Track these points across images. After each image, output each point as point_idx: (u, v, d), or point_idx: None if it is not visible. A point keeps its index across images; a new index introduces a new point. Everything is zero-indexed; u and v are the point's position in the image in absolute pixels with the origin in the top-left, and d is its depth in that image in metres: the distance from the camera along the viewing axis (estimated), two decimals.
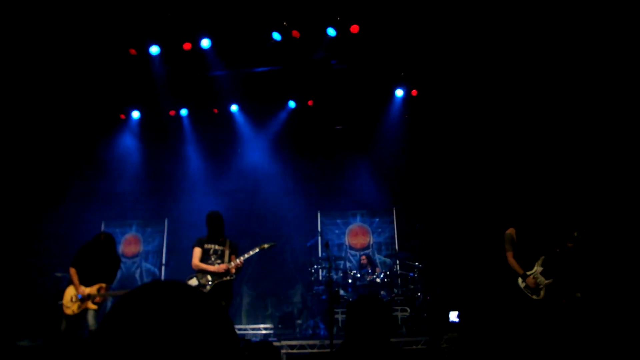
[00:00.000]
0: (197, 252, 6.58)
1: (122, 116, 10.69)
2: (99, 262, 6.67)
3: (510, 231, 6.58)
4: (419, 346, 7.00)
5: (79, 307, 6.47)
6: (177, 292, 0.97)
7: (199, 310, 0.95)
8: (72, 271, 6.65)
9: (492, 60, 8.76)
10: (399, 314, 8.28)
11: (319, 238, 10.09)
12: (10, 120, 9.19)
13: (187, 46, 8.76)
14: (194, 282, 6.36)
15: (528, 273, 6.29)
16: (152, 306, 0.92)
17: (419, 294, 8.44)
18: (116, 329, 0.90)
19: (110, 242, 6.85)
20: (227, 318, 0.99)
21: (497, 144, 9.56)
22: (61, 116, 9.83)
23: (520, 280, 6.34)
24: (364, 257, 9.29)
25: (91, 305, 6.49)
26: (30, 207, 9.79)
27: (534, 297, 6.23)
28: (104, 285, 6.61)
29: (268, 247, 6.65)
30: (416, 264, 8.61)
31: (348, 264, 10.07)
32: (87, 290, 6.53)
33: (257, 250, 6.55)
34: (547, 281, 6.19)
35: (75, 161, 10.40)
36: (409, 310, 8.27)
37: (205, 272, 6.44)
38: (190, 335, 0.88)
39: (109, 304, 9.33)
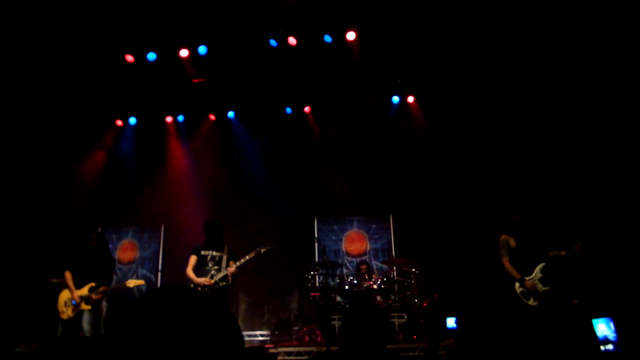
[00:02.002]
0: (191, 260, 6.61)
1: (119, 122, 10.69)
2: (92, 264, 6.64)
3: (505, 237, 6.59)
4: (416, 353, 6.98)
5: (74, 310, 6.45)
6: (186, 296, 0.97)
7: (209, 314, 0.96)
8: (67, 275, 6.63)
9: (488, 67, 8.80)
10: (396, 321, 8.25)
11: (316, 244, 10.08)
12: (6, 126, 9.17)
13: (183, 52, 8.78)
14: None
15: (526, 278, 6.30)
16: (163, 310, 0.92)
17: (416, 300, 8.43)
18: (127, 332, 0.90)
19: (102, 242, 6.81)
20: (235, 322, 1.00)
21: (493, 149, 9.59)
22: (58, 122, 9.82)
23: (517, 285, 6.35)
24: (363, 265, 9.27)
25: (85, 306, 6.45)
26: (25, 213, 9.75)
27: (530, 302, 6.24)
28: (93, 284, 6.56)
29: (264, 252, 6.65)
30: (413, 270, 8.60)
31: (345, 270, 10.05)
32: (78, 293, 6.50)
33: (253, 254, 6.56)
34: (544, 288, 6.20)
35: (72, 167, 10.38)
36: (406, 316, 8.25)
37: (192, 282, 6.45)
38: (199, 339, 0.89)
39: (104, 308, 9.31)
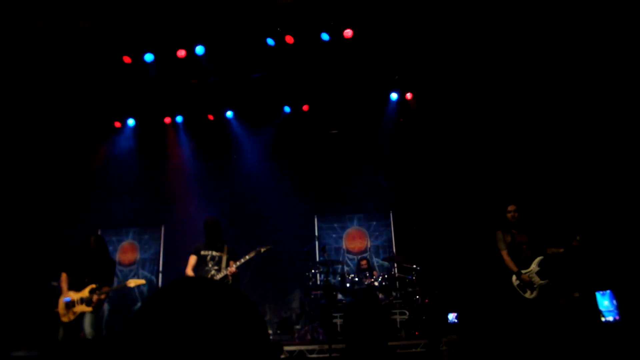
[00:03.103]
0: (191, 260, 6.57)
1: (117, 124, 10.68)
2: (92, 266, 6.61)
3: (500, 232, 6.64)
4: (418, 349, 6.98)
5: (74, 313, 6.42)
6: (212, 289, 0.94)
7: (234, 308, 0.92)
8: (63, 276, 6.62)
9: (486, 63, 8.79)
10: (398, 317, 8.25)
11: (316, 242, 10.07)
12: (6, 129, 9.18)
13: (181, 53, 8.77)
14: None
15: (523, 271, 6.32)
16: (185, 303, 0.89)
17: (418, 296, 8.43)
18: (148, 325, 0.87)
19: (101, 245, 6.77)
20: (260, 316, 0.97)
21: (493, 145, 9.59)
22: (56, 124, 9.82)
23: (514, 277, 6.38)
24: (364, 261, 9.27)
25: (86, 308, 6.42)
26: (25, 216, 9.76)
27: (526, 295, 6.26)
28: (94, 286, 6.54)
29: (264, 251, 6.61)
30: (414, 266, 8.60)
31: (346, 268, 10.04)
32: (78, 295, 6.48)
33: (253, 254, 6.52)
34: (541, 282, 6.21)
35: (71, 169, 10.38)
36: (407, 313, 8.25)
37: None
38: (224, 333, 0.86)
39: (105, 310, 9.31)
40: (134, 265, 10.93)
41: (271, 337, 8.85)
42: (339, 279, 8.80)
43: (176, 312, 0.92)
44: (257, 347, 0.94)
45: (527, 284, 6.25)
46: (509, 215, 6.61)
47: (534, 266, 6.30)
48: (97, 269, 6.63)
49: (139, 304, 10.32)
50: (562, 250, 6.34)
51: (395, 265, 9.72)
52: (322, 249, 8.12)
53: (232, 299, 0.97)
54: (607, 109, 8.19)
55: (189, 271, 6.49)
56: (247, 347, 0.92)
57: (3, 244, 9.24)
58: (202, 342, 0.88)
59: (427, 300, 8.29)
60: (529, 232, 6.57)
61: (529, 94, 8.98)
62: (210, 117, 10.74)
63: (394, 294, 8.59)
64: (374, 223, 10.75)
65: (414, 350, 6.98)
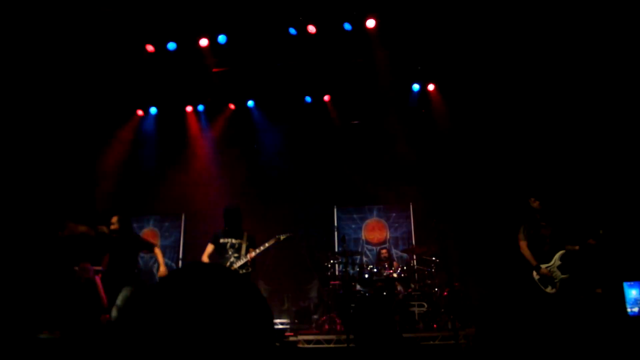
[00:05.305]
0: (208, 248, 6.65)
1: (140, 112, 10.78)
2: (117, 246, 6.90)
3: (525, 225, 6.57)
4: (436, 342, 6.95)
5: None
6: (220, 275, 0.93)
7: (239, 293, 0.92)
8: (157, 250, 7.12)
9: (511, 55, 8.66)
10: (416, 310, 8.21)
11: (335, 233, 10.06)
12: (28, 116, 9.30)
13: (203, 42, 8.80)
14: None
15: (544, 265, 6.25)
16: (194, 287, 0.89)
17: (436, 289, 8.38)
18: (150, 316, 0.87)
19: (122, 223, 7.08)
20: (265, 302, 0.96)
21: (515, 136, 9.46)
22: (79, 112, 9.92)
23: (534, 272, 6.31)
24: (384, 250, 9.26)
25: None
26: (48, 202, 9.90)
27: (547, 290, 6.19)
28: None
29: (284, 238, 6.59)
30: (433, 258, 8.54)
31: (365, 259, 10.03)
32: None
33: (273, 242, 6.52)
34: (562, 276, 6.14)
35: (92, 156, 10.50)
36: (426, 305, 8.21)
37: None
38: (228, 319, 0.85)
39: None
40: None
41: (289, 326, 8.89)
42: (358, 269, 8.79)
43: (178, 298, 0.91)
44: (259, 334, 0.93)
45: (547, 279, 6.18)
46: (534, 204, 6.52)
47: (555, 260, 6.23)
48: (122, 248, 6.81)
49: None
50: (577, 247, 6.28)
51: (415, 257, 9.67)
52: (341, 239, 8.10)
53: (235, 285, 0.96)
54: (635, 102, 8.02)
55: (205, 258, 6.57)
56: (250, 334, 0.91)
57: (28, 230, 9.40)
58: (201, 325, 0.87)
59: (445, 293, 8.25)
60: (554, 225, 6.49)
61: (555, 85, 8.82)
62: (232, 106, 10.77)
63: (412, 286, 8.56)
64: (394, 214, 10.71)
65: (432, 342, 6.95)
